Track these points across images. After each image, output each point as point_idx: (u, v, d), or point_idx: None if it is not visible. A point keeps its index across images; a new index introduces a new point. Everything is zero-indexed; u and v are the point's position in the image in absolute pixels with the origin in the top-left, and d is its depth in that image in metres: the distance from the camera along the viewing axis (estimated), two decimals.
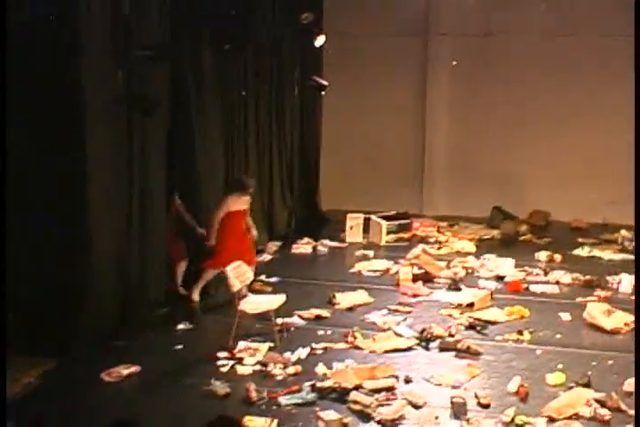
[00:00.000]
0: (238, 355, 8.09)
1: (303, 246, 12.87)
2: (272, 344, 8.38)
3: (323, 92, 14.09)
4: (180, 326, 8.99)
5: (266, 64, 12.42)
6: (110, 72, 8.24)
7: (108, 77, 8.22)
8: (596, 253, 12.92)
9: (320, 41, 13.38)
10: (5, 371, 5.09)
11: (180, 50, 9.50)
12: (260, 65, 12.20)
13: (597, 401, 7.05)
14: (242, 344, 8.32)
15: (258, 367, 7.83)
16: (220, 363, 7.95)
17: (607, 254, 12.78)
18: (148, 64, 8.60)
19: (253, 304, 8.62)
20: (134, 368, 7.62)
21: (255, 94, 12.11)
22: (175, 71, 9.49)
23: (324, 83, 13.73)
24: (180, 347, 8.40)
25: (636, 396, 6.19)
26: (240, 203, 9.75)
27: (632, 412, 6.82)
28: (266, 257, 12.03)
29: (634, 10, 8.28)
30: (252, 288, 9.77)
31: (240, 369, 7.80)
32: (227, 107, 11.14)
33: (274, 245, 12.69)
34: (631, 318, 9.33)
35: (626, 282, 10.88)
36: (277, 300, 8.78)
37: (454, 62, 15.12)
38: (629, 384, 7.39)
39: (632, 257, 12.57)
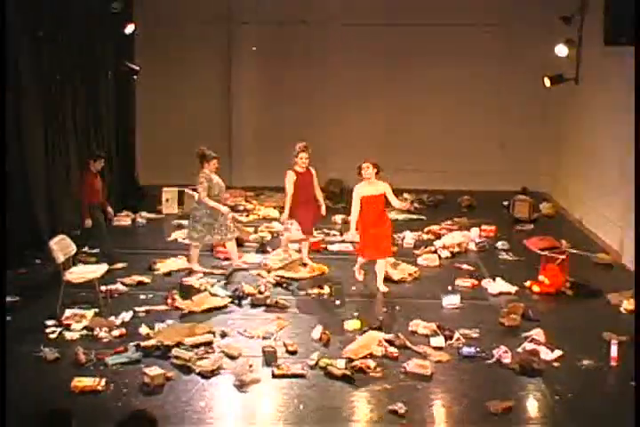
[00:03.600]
0: (66, 322, 7.94)
1: (123, 219, 12.66)
2: (97, 310, 8.28)
3: (135, 77, 13.83)
4: (8, 299, 8.64)
5: (81, 50, 11.95)
6: None
7: None
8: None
9: (129, 29, 13.10)
10: (5, 369, 4.70)
11: None
12: (75, 51, 11.75)
13: (387, 341, 7.47)
14: (68, 312, 8.16)
15: (85, 332, 7.74)
16: (48, 331, 7.77)
17: (393, 215, 13.34)
18: None
19: (78, 274, 8.44)
20: None
21: (71, 79, 11.65)
22: None
23: (136, 68, 13.49)
24: (8, 318, 8.09)
25: (636, 387, 6.30)
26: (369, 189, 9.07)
27: (416, 348, 7.30)
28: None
29: (634, 13, 8.44)
30: (76, 259, 9.52)
31: (68, 335, 7.67)
32: (43, 92, 10.69)
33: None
34: (414, 269, 9.87)
35: (408, 238, 11.48)
36: (100, 269, 8.71)
37: (254, 48, 15.27)
38: (413, 325, 7.89)
39: (413, 216, 13.24)
